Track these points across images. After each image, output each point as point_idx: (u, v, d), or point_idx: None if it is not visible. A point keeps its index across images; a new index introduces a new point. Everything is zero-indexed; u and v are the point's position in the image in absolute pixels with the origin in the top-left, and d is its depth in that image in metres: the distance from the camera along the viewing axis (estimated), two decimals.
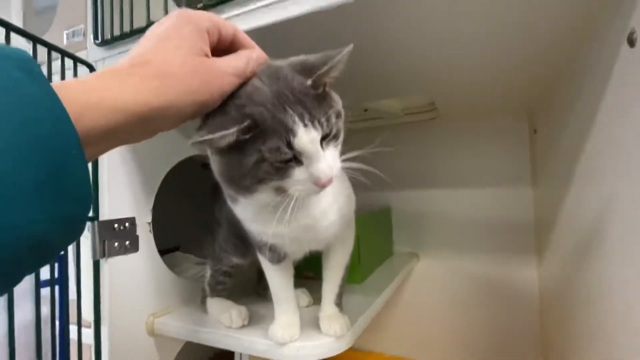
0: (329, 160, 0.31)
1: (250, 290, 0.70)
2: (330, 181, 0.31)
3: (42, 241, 0.18)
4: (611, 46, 0.35)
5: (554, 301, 0.68)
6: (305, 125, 0.29)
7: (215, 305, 0.58)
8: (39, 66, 0.19)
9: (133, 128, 0.22)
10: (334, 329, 0.47)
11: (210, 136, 0.27)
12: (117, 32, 0.51)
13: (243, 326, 0.53)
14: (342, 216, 0.44)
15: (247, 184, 0.31)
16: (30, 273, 0.19)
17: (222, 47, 0.30)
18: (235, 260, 0.57)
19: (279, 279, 0.49)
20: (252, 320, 0.54)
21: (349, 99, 0.35)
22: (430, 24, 0.42)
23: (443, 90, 0.69)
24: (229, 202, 0.42)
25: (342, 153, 0.35)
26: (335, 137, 0.33)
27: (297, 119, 0.29)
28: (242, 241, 0.54)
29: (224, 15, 0.44)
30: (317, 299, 0.58)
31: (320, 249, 0.49)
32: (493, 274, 0.88)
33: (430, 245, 0.96)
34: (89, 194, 0.20)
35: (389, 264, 0.89)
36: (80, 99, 0.19)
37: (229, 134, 0.28)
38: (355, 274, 0.71)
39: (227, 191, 0.38)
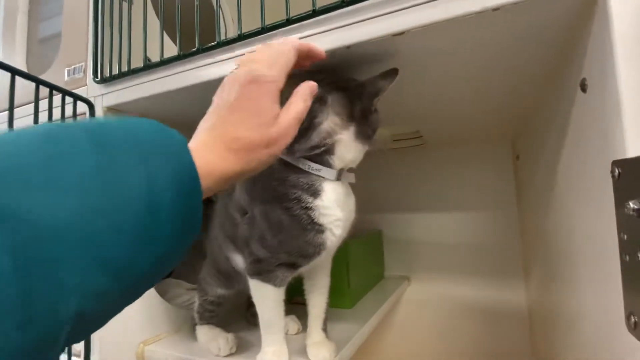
0: None
1: (241, 317, 0.70)
2: None
3: (176, 259, 0.26)
4: (569, 90, 0.39)
5: (542, 321, 0.69)
6: None
7: (204, 332, 0.59)
8: (188, 148, 0.26)
9: (226, 184, 0.30)
10: (322, 356, 0.48)
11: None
12: (115, 71, 0.54)
13: (231, 354, 0.53)
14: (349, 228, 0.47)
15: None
16: (155, 283, 0.27)
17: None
18: (220, 291, 0.59)
19: (274, 308, 0.47)
20: (240, 348, 0.55)
21: None
22: (424, 67, 0.46)
23: (428, 120, 0.72)
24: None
25: None
26: None
27: None
28: (224, 274, 0.56)
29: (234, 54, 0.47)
30: (304, 325, 0.59)
31: (320, 262, 0.49)
32: (483, 295, 0.89)
33: (421, 269, 0.97)
34: (200, 229, 0.27)
35: (380, 287, 0.90)
36: (200, 171, 0.26)
37: None
38: (344, 298, 0.72)
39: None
